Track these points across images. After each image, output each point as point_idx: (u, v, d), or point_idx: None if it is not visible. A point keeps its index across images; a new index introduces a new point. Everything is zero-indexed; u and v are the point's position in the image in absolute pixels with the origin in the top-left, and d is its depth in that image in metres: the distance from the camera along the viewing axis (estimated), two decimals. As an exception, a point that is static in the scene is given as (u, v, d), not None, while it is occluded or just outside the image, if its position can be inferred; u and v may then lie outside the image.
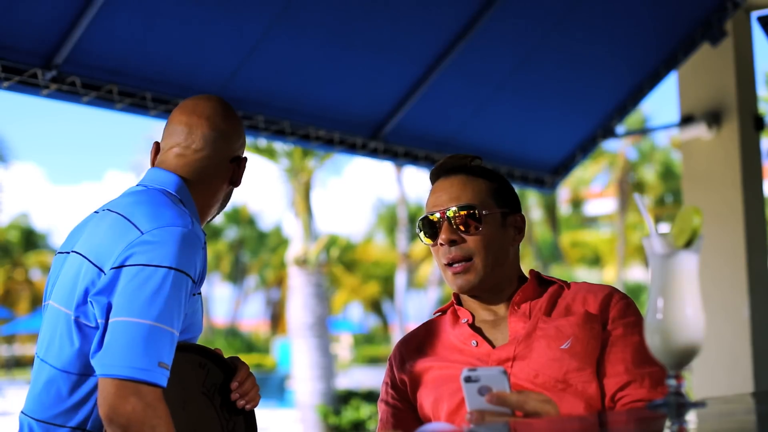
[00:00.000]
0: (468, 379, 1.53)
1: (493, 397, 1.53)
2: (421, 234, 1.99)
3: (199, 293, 1.98)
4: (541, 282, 2.00)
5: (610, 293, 1.92)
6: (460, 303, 2.03)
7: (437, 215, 1.95)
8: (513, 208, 2.01)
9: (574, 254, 31.97)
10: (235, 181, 2.15)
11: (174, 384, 1.85)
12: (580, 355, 1.83)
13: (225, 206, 2.20)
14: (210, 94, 3.91)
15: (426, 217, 1.97)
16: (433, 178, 2.04)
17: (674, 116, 5.43)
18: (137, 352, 1.76)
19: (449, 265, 1.94)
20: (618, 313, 1.88)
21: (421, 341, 2.03)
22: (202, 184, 2.08)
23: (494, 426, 1.50)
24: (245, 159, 2.17)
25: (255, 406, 2.03)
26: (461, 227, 1.92)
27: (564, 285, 1.98)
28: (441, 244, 1.94)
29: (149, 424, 1.75)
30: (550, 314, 1.91)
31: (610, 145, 24.31)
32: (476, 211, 1.92)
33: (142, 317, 1.78)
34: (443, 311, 2.07)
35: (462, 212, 1.92)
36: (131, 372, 1.75)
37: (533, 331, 1.88)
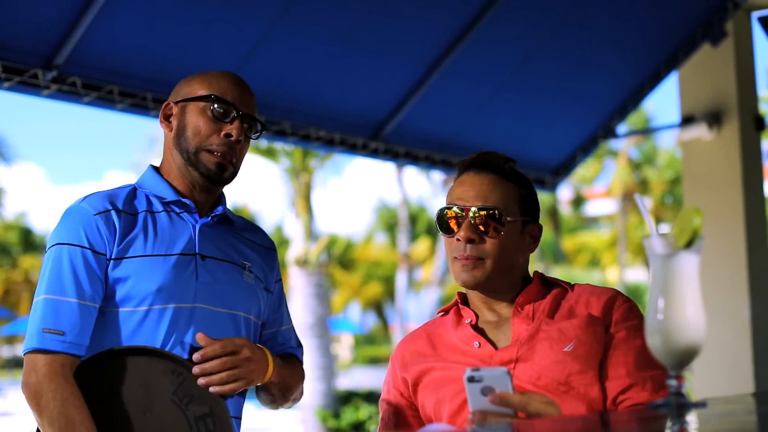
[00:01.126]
0: (471, 379, 1.53)
1: (496, 398, 1.53)
2: (441, 224, 1.96)
3: (138, 257, 1.98)
4: (545, 284, 1.99)
5: (613, 296, 1.92)
6: (465, 303, 2.02)
7: (460, 210, 1.92)
8: (534, 217, 2.00)
9: (575, 255, 31.97)
10: (170, 122, 2.10)
11: (137, 388, 1.92)
12: (583, 357, 1.82)
13: (191, 153, 2.06)
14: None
15: (448, 208, 1.94)
16: (462, 170, 1.99)
17: (677, 116, 5.43)
18: (28, 328, 1.94)
19: (461, 259, 1.92)
20: (621, 316, 1.88)
21: (423, 341, 2.02)
22: (164, 147, 2.16)
23: (496, 426, 1.50)
24: (174, 104, 2.09)
25: (227, 391, 1.94)
26: (482, 228, 1.90)
27: (567, 287, 1.97)
28: (458, 240, 1.92)
29: (46, 397, 1.88)
30: (553, 316, 1.91)
31: (611, 145, 24.30)
32: (500, 216, 1.90)
33: (36, 296, 1.97)
34: (446, 311, 2.06)
35: (486, 213, 1.90)
36: (24, 346, 1.94)
37: (536, 333, 1.88)
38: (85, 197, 2.04)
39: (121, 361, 1.93)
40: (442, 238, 2.00)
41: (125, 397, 1.92)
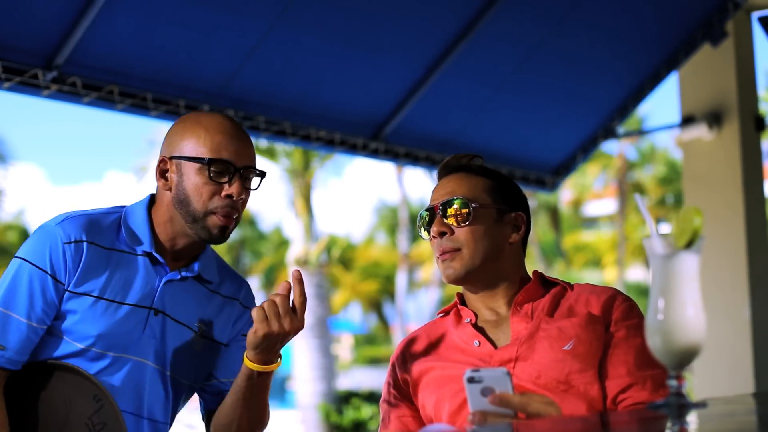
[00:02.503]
0: (471, 380, 1.53)
1: (496, 398, 1.53)
2: (421, 230, 2.03)
3: (92, 297, 1.97)
4: (544, 283, 2.00)
5: (613, 295, 1.93)
6: (463, 303, 2.03)
7: (431, 211, 1.99)
8: (513, 206, 2.01)
9: (575, 255, 31.96)
10: (167, 180, 2.02)
11: (60, 404, 1.96)
12: (583, 356, 1.83)
13: (197, 218, 2.00)
14: (211, 94, 3.93)
15: (422, 213, 2.02)
16: (437, 178, 2.08)
17: (672, 116, 5.44)
18: None
19: (440, 255, 1.97)
20: (621, 315, 1.88)
21: (423, 341, 2.03)
22: (157, 197, 2.09)
23: (496, 427, 1.50)
24: (169, 159, 2.01)
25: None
26: (451, 220, 1.96)
27: (567, 286, 1.98)
28: (433, 237, 1.98)
29: None
30: (552, 315, 1.91)
31: (611, 146, 24.30)
32: (466, 204, 1.95)
33: None
34: (446, 312, 2.07)
35: (453, 205, 1.96)
36: None
37: (536, 331, 1.88)
38: (64, 219, 2.00)
39: (53, 375, 1.97)
40: None
41: (47, 411, 1.97)
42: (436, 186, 2.05)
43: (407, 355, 2.03)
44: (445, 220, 1.96)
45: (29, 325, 1.95)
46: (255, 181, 2.06)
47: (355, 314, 37.00)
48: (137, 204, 2.08)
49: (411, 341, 2.06)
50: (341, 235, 35.31)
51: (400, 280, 26.35)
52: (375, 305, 35.44)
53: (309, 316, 15.11)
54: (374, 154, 4.61)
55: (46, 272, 1.95)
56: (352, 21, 3.98)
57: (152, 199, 2.09)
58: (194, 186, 1.98)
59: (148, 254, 2.03)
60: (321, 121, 4.33)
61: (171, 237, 2.04)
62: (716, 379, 5.08)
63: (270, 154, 16.01)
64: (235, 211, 2.01)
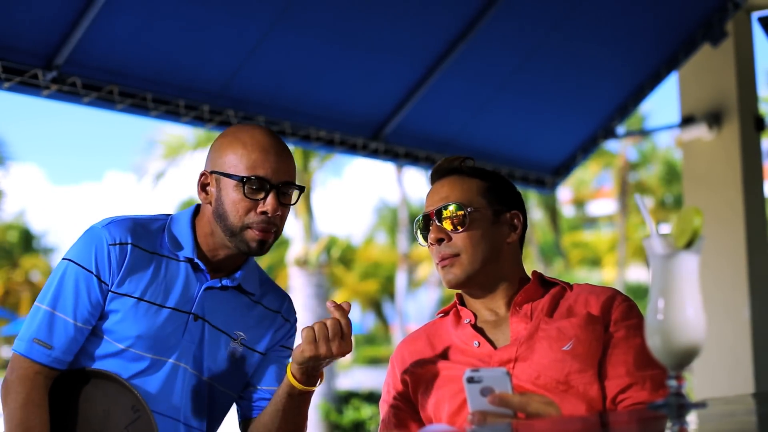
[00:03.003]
0: (471, 380, 1.53)
1: (496, 398, 1.53)
2: (418, 236, 2.02)
3: (133, 298, 2.00)
4: (543, 283, 2.00)
5: (612, 295, 1.93)
6: (463, 303, 2.03)
7: (426, 217, 1.98)
8: (508, 206, 2.01)
9: (575, 255, 31.97)
10: (207, 194, 2.06)
11: (99, 412, 1.99)
12: (582, 356, 1.83)
13: (234, 232, 2.02)
14: (211, 94, 3.93)
15: (418, 220, 2.01)
16: (430, 182, 2.07)
17: (673, 116, 5.44)
18: (23, 329, 2.01)
19: (439, 262, 1.96)
20: (620, 315, 1.88)
21: (422, 342, 2.03)
22: (200, 209, 2.13)
23: (496, 427, 1.50)
24: (209, 173, 2.05)
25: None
26: (447, 225, 1.95)
27: (566, 286, 1.98)
28: (431, 244, 1.97)
29: (11, 396, 1.96)
30: (551, 315, 1.91)
31: (611, 145, 24.30)
32: (462, 209, 1.94)
33: (38, 302, 2.02)
34: (446, 312, 2.07)
35: (448, 211, 1.95)
36: (14, 345, 2.01)
37: (535, 332, 1.88)
38: (111, 222, 2.04)
39: (93, 384, 2.00)
40: None
41: (86, 419, 2.00)
42: (429, 191, 2.04)
43: (407, 356, 2.03)
44: (442, 226, 1.95)
45: (75, 325, 1.99)
46: (295, 194, 2.07)
47: (354, 314, 36.95)
48: (183, 213, 2.12)
49: (410, 341, 2.06)
50: (341, 235, 35.32)
51: (400, 280, 26.36)
52: (375, 305, 35.44)
53: (309, 316, 15.13)
54: (374, 154, 4.61)
55: (91, 272, 2.00)
56: (352, 21, 3.98)
57: (197, 209, 2.12)
58: (231, 201, 2.01)
59: (189, 260, 2.06)
60: (321, 121, 4.33)
61: (212, 248, 2.08)
62: (716, 379, 5.08)
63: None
64: (272, 225, 2.03)
